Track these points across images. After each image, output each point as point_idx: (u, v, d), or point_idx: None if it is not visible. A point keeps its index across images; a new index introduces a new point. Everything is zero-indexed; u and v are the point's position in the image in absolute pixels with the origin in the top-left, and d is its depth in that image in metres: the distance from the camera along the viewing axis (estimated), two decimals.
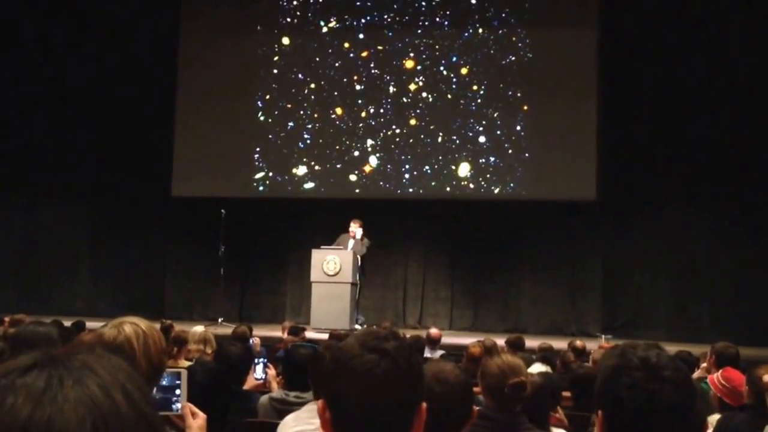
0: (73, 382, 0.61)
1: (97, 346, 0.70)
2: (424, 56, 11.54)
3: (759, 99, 10.25)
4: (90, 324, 6.40)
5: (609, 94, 10.86)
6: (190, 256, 12.11)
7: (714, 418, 3.51)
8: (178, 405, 2.01)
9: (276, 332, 8.73)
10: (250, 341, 6.79)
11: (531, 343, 7.30)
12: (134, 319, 1.94)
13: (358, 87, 11.67)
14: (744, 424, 3.19)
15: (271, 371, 4.59)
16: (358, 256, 9.93)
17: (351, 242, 10.04)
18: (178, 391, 2.03)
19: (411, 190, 11.50)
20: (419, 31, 11.58)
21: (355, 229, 10.04)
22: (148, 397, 0.67)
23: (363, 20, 11.77)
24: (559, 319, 11.15)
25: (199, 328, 5.85)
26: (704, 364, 5.00)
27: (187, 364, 4.71)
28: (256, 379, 4.50)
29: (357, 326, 9.63)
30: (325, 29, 11.87)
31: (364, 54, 11.71)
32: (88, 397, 0.61)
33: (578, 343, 6.79)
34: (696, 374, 4.88)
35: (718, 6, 10.35)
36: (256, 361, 4.57)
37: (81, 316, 8.41)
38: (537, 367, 5.11)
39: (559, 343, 7.40)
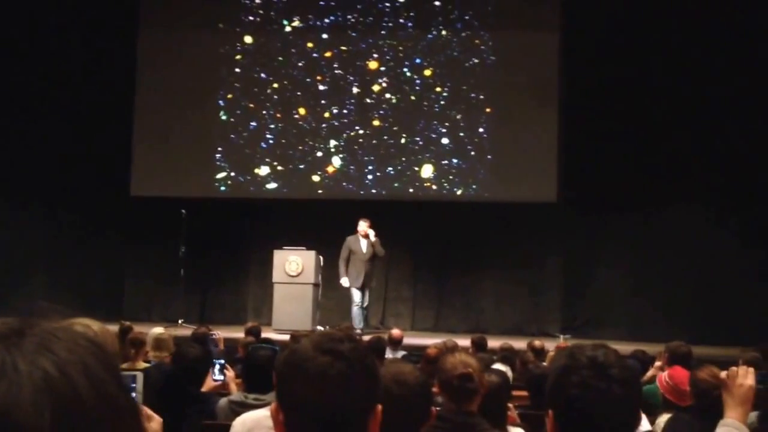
0: (29, 365, 0.56)
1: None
2: (387, 57, 11.55)
3: (720, 100, 10.42)
4: None
5: (570, 97, 10.99)
6: (150, 256, 11.93)
7: (662, 419, 3.57)
8: None
9: (238, 333, 8.65)
10: (213, 334, 6.75)
11: (493, 343, 7.37)
12: (86, 321, 1.89)
13: (321, 87, 11.63)
14: (690, 426, 3.24)
15: (230, 373, 4.55)
16: (380, 255, 9.92)
17: (364, 242, 9.93)
18: (133, 394, 2.00)
19: (374, 191, 11.50)
20: (383, 32, 11.59)
21: (367, 228, 9.87)
22: (115, 375, 0.61)
23: (327, 20, 11.73)
24: (521, 320, 11.24)
25: (158, 330, 5.78)
26: (659, 363, 5.09)
27: (145, 366, 4.65)
28: (214, 380, 4.46)
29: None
30: (288, 28, 11.81)
31: (328, 54, 11.68)
32: (45, 381, 0.55)
33: (537, 343, 6.89)
34: (650, 372, 4.97)
35: (680, 8, 10.51)
36: (213, 362, 4.52)
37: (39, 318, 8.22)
38: (497, 367, 5.15)
39: (521, 344, 7.46)
